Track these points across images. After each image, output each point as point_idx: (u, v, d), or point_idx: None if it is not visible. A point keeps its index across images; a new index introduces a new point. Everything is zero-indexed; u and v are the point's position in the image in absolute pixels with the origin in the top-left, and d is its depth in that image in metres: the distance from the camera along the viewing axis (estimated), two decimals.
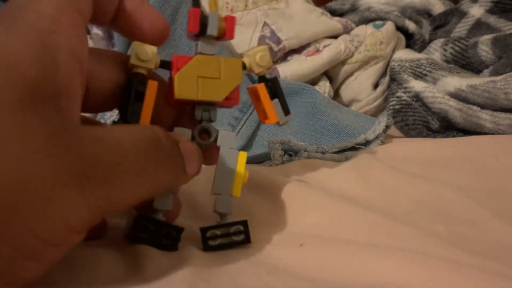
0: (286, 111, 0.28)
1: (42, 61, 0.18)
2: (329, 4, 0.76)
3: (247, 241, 0.25)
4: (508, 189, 0.34)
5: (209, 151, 0.26)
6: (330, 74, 0.59)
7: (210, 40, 0.26)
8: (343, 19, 0.64)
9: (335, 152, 0.42)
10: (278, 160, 0.39)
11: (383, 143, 0.44)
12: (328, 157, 0.40)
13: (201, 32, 0.25)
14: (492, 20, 0.63)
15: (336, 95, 0.60)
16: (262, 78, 0.28)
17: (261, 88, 0.28)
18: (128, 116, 0.24)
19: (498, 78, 0.47)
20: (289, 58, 0.57)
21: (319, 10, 0.63)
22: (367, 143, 0.44)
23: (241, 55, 0.27)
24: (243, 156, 0.26)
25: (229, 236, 0.25)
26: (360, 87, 0.59)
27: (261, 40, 0.55)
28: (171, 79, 0.25)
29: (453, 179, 0.35)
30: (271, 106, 0.28)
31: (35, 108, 0.17)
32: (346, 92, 0.60)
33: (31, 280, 0.17)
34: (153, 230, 0.24)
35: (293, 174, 0.36)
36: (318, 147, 0.41)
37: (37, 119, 0.17)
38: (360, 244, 0.25)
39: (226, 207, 0.26)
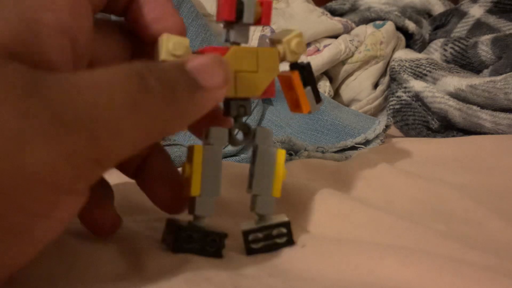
0: (318, 99, 0.26)
1: (17, 29, 0.17)
2: (329, 4, 0.76)
3: (290, 243, 0.24)
4: (508, 189, 0.34)
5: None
6: (330, 73, 0.59)
7: (244, 27, 0.24)
8: (343, 19, 0.64)
9: (335, 152, 0.42)
10: None
11: (383, 142, 0.44)
12: (328, 157, 0.41)
13: (236, 19, 0.23)
14: (492, 20, 0.63)
15: (336, 95, 0.60)
16: (295, 65, 0.26)
17: (295, 76, 0.25)
18: None
19: (498, 78, 0.47)
20: None
21: (319, 10, 0.63)
22: (367, 142, 0.44)
23: (274, 41, 0.25)
24: (281, 154, 0.25)
25: (272, 239, 0.24)
26: (360, 86, 0.59)
27: (262, 39, 0.56)
28: None
29: (453, 179, 0.35)
30: (305, 96, 0.26)
31: (3, 63, 0.16)
32: (346, 92, 0.60)
33: (22, 265, 0.16)
34: (197, 239, 0.23)
35: (293, 173, 0.36)
36: (318, 147, 0.41)
37: (3, 73, 0.16)
38: (362, 243, 0.25)
39: (268, 208, 0.24)
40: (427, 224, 0.28)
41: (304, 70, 0.26)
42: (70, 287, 0.19)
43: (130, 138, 0.18)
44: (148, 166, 0.25)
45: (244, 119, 0.25)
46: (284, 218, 0.25)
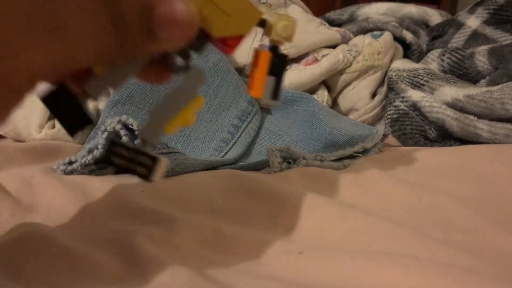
0: (276, 96, 0.25)
1: None
2: (327, 14, 0.77)
3: (147, 177, 0.22)
4: (505, 198, 0.34)
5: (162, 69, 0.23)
6: (328, 83, 0.60)
7: None
8: (342, 29, 0.65)
9: (333, 160, 0.42)
10: (277, 168, 0.39)
11: (380, 151, 0.45)
12: (326, 165, 0.41)
13: None
14: (489, 31, 0.63)
15: (334, 104, 0.60)
16: (272, 49, 0.25)
17: (264, 56, 0.25)
18: None
19: (495, 88, 0.47)
20: (288, 67, 0.57)
21: (317, 20, 0.64)
22: (365, 151, 0.44)
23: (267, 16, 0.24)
24: (199, 101, 0.23)
25: (134, 163, 0.22)
26: (358, 96, 0.60)
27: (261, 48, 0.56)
28: None
29: (450, 188, 0.35)
30: (263, 79, 0.25)
31: None
32: (344, 101, 0.60)
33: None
34: (128, 157, 0.22)
35: (292, 181, 0.36)
36: (316, 155, 0.41)
37: None
38: (359, 252, 0.25)
39: (151, 136, 0.23)
40: (425, 232, 0.28)
41: (277, 59, 0.25)
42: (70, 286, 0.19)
43: (87, 53, 0.19)
44: None
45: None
46: (161, 157, 0.23)
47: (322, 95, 0.57)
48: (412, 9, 0.74)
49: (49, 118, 0.48)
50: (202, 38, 0.23)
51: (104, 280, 0.20)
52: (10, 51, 0.17)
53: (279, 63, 0.25)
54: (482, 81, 0.55)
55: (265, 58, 0.25)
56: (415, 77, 0.56)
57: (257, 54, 0.25)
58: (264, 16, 0.24)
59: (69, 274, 0.20)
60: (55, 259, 0.21)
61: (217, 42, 0.23)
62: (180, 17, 0.20)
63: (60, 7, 0.18)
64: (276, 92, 0.25)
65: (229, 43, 0.23)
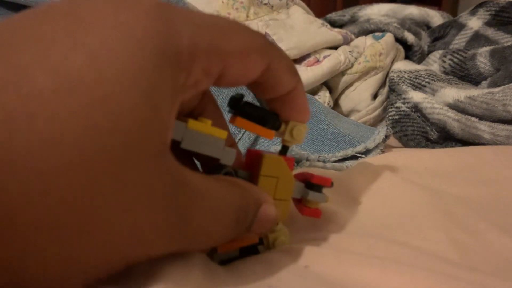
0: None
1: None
2: (329, 15, 0.77)
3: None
4: (506, 200, 0.34)
5: None
6: (330, 84, 0.60)
7: None
8: (343, 30, 0.65)
9: (336, 161, 0.42)
10: None
11: (382, 152, 0.45)
12: (329, 166, 0.41)
13: None
14: (490, 32, 0.63)
15: (335, 105, 0.60)
16: (283, 149, 0.27)
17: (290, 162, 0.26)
18: None
19: (496, 89, 0.47)
20: None
21: (319, 21, 0.64)
22: (367, 152, 0.44)
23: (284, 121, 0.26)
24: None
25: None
26: (360, 97, 0.60)
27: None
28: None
29: (452, 189, 0.36)
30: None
31: (157, 158, 0.16)
32: (346, 102, 0.60)
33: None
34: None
35: None
36: (319, 156, 0.41)
37: (156, 171, 0.16)
38: (361, 255, 0.25)
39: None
40: (427, 233, 0.28)
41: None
42: None
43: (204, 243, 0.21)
44: (199, 113, 0.25)
45: None
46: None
47: (324, 96, 0.57)
48: (413, 11, 0.74)
49: None
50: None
51: (113, 276, 0.20)
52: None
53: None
54: (484, 83, 0.55)
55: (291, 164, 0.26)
56: (416, 78, 0.56)
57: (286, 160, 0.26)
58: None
59: None
60: None
61: None
62: (273, 219, 0.23)
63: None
64: None
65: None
